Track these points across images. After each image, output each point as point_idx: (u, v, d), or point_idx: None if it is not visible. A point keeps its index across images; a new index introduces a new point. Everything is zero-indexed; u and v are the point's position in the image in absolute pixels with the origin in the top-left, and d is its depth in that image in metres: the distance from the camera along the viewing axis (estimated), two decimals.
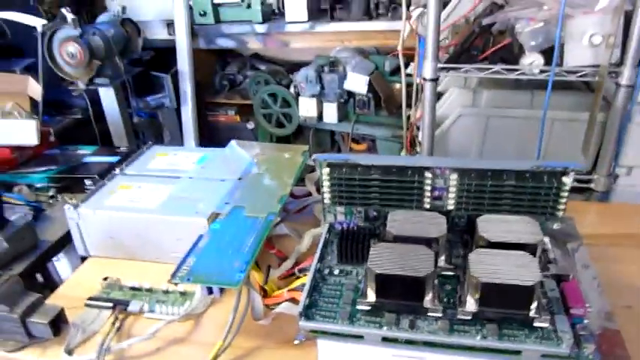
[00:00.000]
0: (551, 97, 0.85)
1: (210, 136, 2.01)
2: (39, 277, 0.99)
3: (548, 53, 0.80)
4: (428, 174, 0.52)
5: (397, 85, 1.63)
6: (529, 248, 0.49)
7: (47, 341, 0.54)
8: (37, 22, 1.30)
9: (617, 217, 0.72)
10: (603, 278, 0.56)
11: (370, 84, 1.59)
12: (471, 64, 0.84)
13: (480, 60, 0.85)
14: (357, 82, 1.58)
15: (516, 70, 0.83)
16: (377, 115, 1.65)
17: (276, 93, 1.76)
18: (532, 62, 0.81)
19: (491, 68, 0.83)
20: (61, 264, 1.13)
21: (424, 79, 0.87)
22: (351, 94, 1.66)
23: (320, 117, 1.71)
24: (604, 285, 0.55)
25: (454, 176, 0.52)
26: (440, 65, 0.85)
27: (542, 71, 0.82)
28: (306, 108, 1.69)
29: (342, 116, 1.70)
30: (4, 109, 1.14)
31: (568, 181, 0.50)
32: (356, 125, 1.68)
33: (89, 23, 1.56)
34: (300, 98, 1.70)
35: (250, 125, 1.97)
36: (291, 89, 1.73)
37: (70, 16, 1.37)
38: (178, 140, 1.92)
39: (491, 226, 0.51)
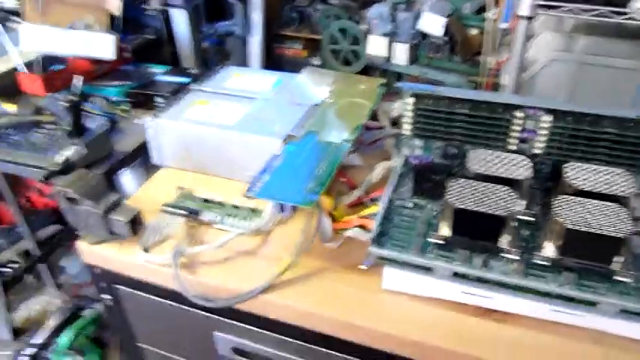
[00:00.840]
0: None
1: (275, 68, 1.99)
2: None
3: None
4: (519, 113, 0.50)
5: (474, 32, 1.54)
6: (620, 201, 0.46)
7: (125, 239, 0.56)
8: None
9: None
10: None
11: (446, 26, 1.51)
12: (574, 3, 0.77)
13: (581, 1, 0.78)
14: (433, 23, 1.51)
15: (624, 13, 0.75)
16: (450, 61, 1.58)
17: (346, 29, 1.72)
18: None
19: (597, 9, 0.76)
20: (126, 177, 1.19)
21: (519, 17, 0.80)
22: (424, 36, 1.60)
23: (389, 58, 1.66)
24: None
25: (548, 118, 0.49)
26: (538, 2, 0.78)
27: None
28: (376, 47, 1.64)
29: (413, 58, 1.64)
30: (86, 21, 1.17)
31: None
32: (426, 69, 1.62)
33: None
34: (371, 36, 1.65)
35: (316, 61, 1.94)
36: (363, 26, 1.68)
37: None
38: None
39: (581, 174, 0.48)
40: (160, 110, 0.67)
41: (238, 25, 1.85)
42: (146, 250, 0.54)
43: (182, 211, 0.59)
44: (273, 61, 2.02)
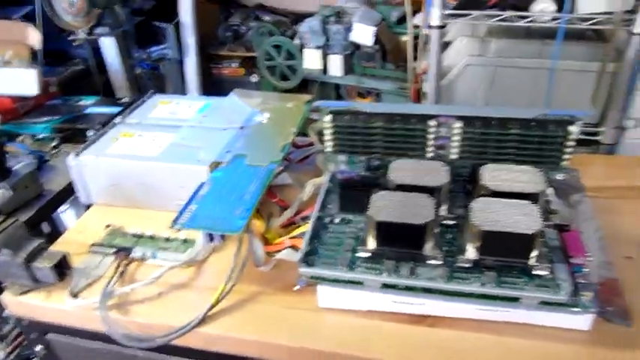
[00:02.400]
0: (562, 47, 0.83)
1: (214, 89, 1.98)
2: (45, 227, 1.01)
3: (560, 0, 0.77)
4: (432, 122, 0.52)
5: (404, 38, 1.58)
6: (531, 198, 0.49)
7: (52, 285, 0.54)
8: None
9: (623, 169, 0.71)
10: (606, 230, 0.56)
11: (376, 35, 1.55)
12: (479, 10, 0.81)
13: (489, 6, 0.82)
14: (363, 34, 1.55)
15: (526, 17, 0.80)
16: (383, 68, 1.61)
17: (280, 44, 1.73)
18: (543, 8, 0.78)
19: (500, 15, 0.80)
20: (67, 215, 1.14)
21: (430, 27, 0.84)
22: (356, 46, 1.63)
23: (325, 70, 1.68)
24: (606, 237, 0.54)
25: (458, 124, 0.51)
26: (447, 12, 0.82)
27: (554, 19, 0.79)
28: (311, 60, 1.66)
29: (348, 69, 1.67)
30: (4, 57, 1.12)
31: (575, 130, 0.49)
32: (361, 78, 1.65)
33: None
34: (305, 50, 1.67)
35: (254, 78, 1.94)
36: (296, 41, 1.69)
37: None
38: (181, 93, 1.90)
39: (494, 175, 0.50)
40: (82, 147, 0.66)
41: (171, 49, 1.83)
42: (74, 295, 0.53)
43: (111, 249, 0.57)
44: (211, 82, 2.00)
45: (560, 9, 0.77)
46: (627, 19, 0.80)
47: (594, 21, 0.79)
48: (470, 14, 0.81)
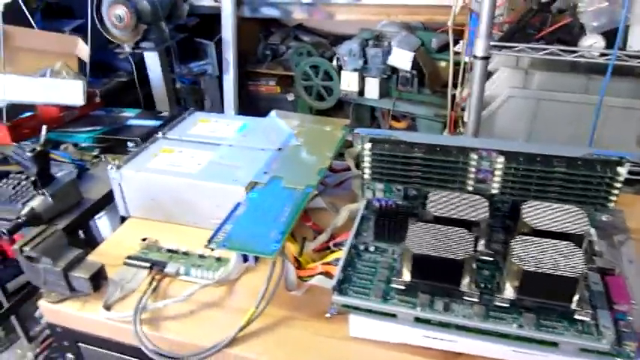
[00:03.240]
0: (610, 82, 0.81)
1: (250, 105, 2.01)
2: (81, 233, 1.03)
3: (610, 35, 0.75)
4: (473, 155, 0.51)
5: (442, 64, 1.58)
6: (575, 239, 0.47)
7: (87, 295, 0.55)
8: None
9: None
10: None
11: (415, 60, 1.55)
12: (525, 43, 0.80)
13: (535, 39, 0.81)
14: (402, 58, 1.55)
15: (574, 51, 0.78)
16: (419, 93, 1.61)
17: (318, 65, 1.74)
18: (592, 44, 0.77)
19: (547, 48, 0.79)
20: (102, 222, 1.17)
21: (474, 57, 0.83)
22: (394, 70, 1.63)
23: (361, 92, 1.69)
24: None
25: (501, 159, 0.50)
26: (492, 43, 0.81)
27: (602, 54, 0.78)
28: (348, 82, 1.67)
29: (384, 92, 1.67)
30: (54, 68, 1.17)
31: (623, 171, 0.48)
32: (397, 102, 1.65)
33: None
34: (343, 72, 1.68)
35: (290, 97, 1.96)
36: (334, 62, 1.71)
37: None
38: (219, 108, 1.94)
39: (537, 212, 0.49)
40: (123, 161, 0.67)
41: (211, 65, 1.87)
42: (108, 307, 0.53)
43: (145, 264, 0.58)
44: (247, 98, 2.04)
45: (609, 45, 0.76)
46: None
47: None
48: (516, 47, 0.80)
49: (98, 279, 0.56)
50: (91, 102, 1.22)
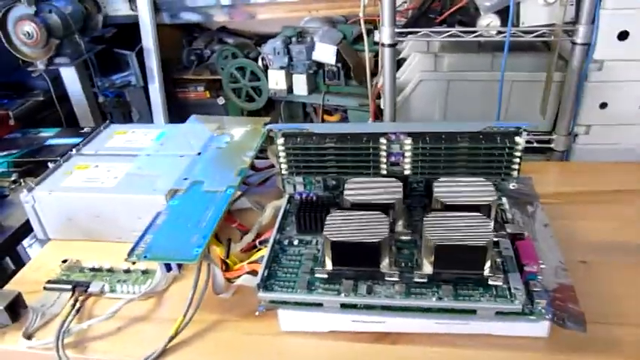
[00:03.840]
0: (512, 58, 0.85)
1: (181, 113, 1.97)
2: (10, 263, 0.98)
3: (504, 14, 0.79)
4: (383, 140, 0.52)
5: (369, 54, 1.61)
6: (484, 209, 0.49)
7: (6, 327, 0.53)
8: None
9: (576, 175, 0.73)
10: (561, 235, 0.57)
11: (339, 54, 1.57)
12: (428, 27, 0.83)
13: (437, 23, 0.84)
14: (325, 52, 1.56)
15: (473, 32, 0.82)
16: (347, 86, 1.63)
17: (244, 66, 1.73)
18: (489, 23, 0.81)
19: (448, 31, 0.82)
20: (33, 250, 1.11)
21: (382, 45, 0.85)
22: (320, 65, 1.64)
23: (290, 89, 1.69)
24: (562, 242, 0.55)
25: (408, 141, 0.52)
26: (397, 30, 0.83)
27: (499, 32, 0.82)
28: (275, 80, 1.67)
29: (313, 88, 1.68)
30: None
31: (521, 140, 0.51)
32: (327, 96, 1.67)
33: (46, 0, 1.50)
34: (269, 71, 1.67)
35: (221, 101, 1.93)
36: (259, 62, 1.70)
37: None
38: (147, 119, 1.88)
39: (447, 188, 0.51)
40: (35, 182, 0.64)
41: (134, 75, 1.81)
42: (28, 336, 0.51)
43: (67, 286, 0.56)
44: (177, 106, 1.99)
45: (505, 23, 0.80)
46: (569, 29, 0.83)
47: (537, 33, 0.82)
48: (419, 31, 0.83)
49: (16, 308, 0.53)
50: (4, 125, 1.16)
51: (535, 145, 0.93)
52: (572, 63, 0.86)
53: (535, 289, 0.46)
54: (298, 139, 0.54)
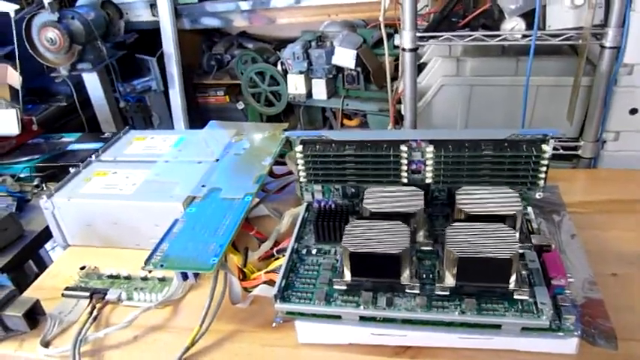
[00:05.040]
0: (537, 62, 0.83)
1: (201, 118, 1.98)
2: (33, 267, 0.99)
3: (530, 17, 0.77)
4: (403, 147, 0.51)
5: (390, 59, 1.59)
6: (509, 220, 0.48)
7: (25, 334, 0.53)
8: (9, 8, 1.27)
9: (604, 183, 0.71)
10: (590, 246, 0.55)
11: (359, 58, 1.55)
12: (450, 31, 0.81)
13: (460, 27, 0.82)
14: (345, 57, 1.55)
15: (497, 35, 0.80)
16: (367, 90, 1.62)
17: (263, 71, 1.73)
18: (513, 27, 0.78)
19: (471, 35, 0.80)
20: (55, 253, 1.13)
21: (403, 49, 0.84)
22: (339, 69, 1.63)
23: (309, 94, 1.68)
24: (590, 253, 0.54)
25: (430, 149, 0.50)
26: (419, 34, 0.82)
27: (524, 36, 0.80)
28: (295, 85, 1.66)
29: (332, 92, 1.67)
30: None
31: (548, 148, 0.49)
32: (346, 100, 1.65)
33: (68, 7, 1.52)
34: (289, 75, 1.67)
35: (240, 105, 1.94)
36: (279, 67, 1.70)
37: (46, 1, 1.33)
38: (168, 123, 1.90)
39: (470, 198, 0.49)
40: (54, 189, 0.64)
41: (155, 80, 1.83)
42: (46, 344, 0.51)
43: (85, 293, 0.56)
44: (197, 111, 2.01)
45: (530, 26, 0.78)
46: (598, 32, 0.80)
47: (565, 37, 0.79)
48: (441, 35, 0.81)
49: (34, 315, 0.53)
50: (27, 130, 1.18)
51: (561, 151, 0.91)
52: (600, 67, 0.83)
53: (563, 304, 0.43)
54: (317, 146, 0.52)
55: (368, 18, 1.70)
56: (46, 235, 0.92)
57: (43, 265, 1.00)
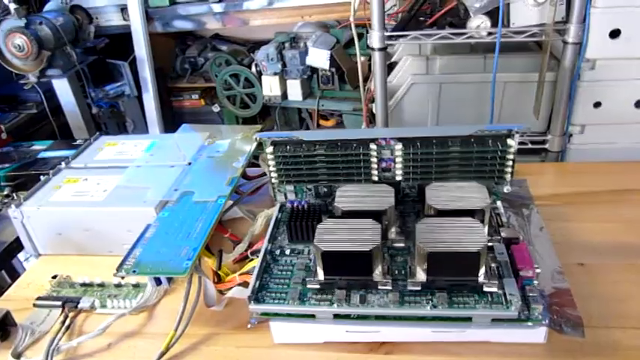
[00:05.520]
0: (504, 59, 0.84)
1: (176, 122, 1.96)
2: (6, 277, 0.97)
3: (495, 15, 0.79)
4: (373, 145, 0.51)
5: (363, 58, 1.60)
6: (478, 214, 0.49)
7: None
8: None
9: (571, 175, 0.72)
10: (558, 238, 0.57)
11: (332, 58, 1.56)
12: (418, 30, 0.82)
13: (427, 26, 0.83)
14: (319, 57, 1.56)
15: (464, 34, 0.81)
16: (341, 90, 1.63)
17: (238, 73, 1.72)
18: (479, 25, 0.80)
19: (438, 33, 0.81)
20: (30, 264, 1.10)
21: (372, 49, 0.85)
22: (314, 70, 1.64)
23: (285, 95, 1.68)
24: (559, 244, 0.55)
25: (399, 146, 0.51)
26: (387, 34, 0.83)
27: (489, 33, 0.81)
28: (270, 86, 1.66)
29: (307, 93, 1.68)
30: None
31: (513, 143, 0.50)
32: (321, 101, 1.66)
33: (36, 12, 1.50)
34: (263, 77, 1.67)
35: (216, 108, 1.93)
36: (253, 68, 1.70)
37: (12, 6, 1.31)
38: (143, 129, 1.88)
39: (439, 193, 0.50)
40: (23, 198, 0.63)
41: (128, 85, 1.81)
42: (17, 355, 0.50)
43: (57, 302, 0.55)
44: (173, 115, 1.99)
45: (495, 24, 0.79)
46: (560, 29, 0.82)
47: (528, 33, 0.81)
48: (409, 34, 0.82)
49: (5, 327, 0.52)
50: None
51: (530, 146, 0.93)
52: (564, 62, 0.85)
53: (531, 294, 0.45)
54: (288, 147, 0.53)
55: (341, 18, 1.71)
56: (17, 245, 0.90)
57: (16, 277, 0.98)
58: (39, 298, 0.56)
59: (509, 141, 0.50)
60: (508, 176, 0.52)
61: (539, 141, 0.93)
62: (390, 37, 0.83)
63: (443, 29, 0.82)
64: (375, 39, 0.83)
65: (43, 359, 0.48)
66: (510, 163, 0.50)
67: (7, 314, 0.53)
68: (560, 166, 0.89)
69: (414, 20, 0.82)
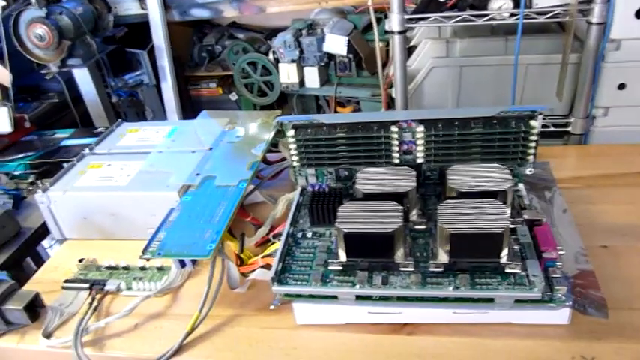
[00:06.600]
0: (526, 41, 0.83)
1: (194, 110, 1.97)
2: (32, 264, 0.99)
3: None
4: (394, 128, 0.51)
5: (381, 44, 1.59)
6: (500, 196, 0.48)
7: (26, 327, 0.53)
8: None
9: (594, 158, 0.71)
10: (581, 220, 0.56)
11: (350, 44, 1.55)
12: (438, 12, 0.81)
13: (448, 8, 0.82)
14: (336, 44, 1.55)
15: (485, 15, 0.80)
16: (359, 76, 1.62)
17: (255, 61, 1.73)
18: (501, 6, 0.79)
19: (459, 15, 0.80)
20: (54, 251, 1.13)
21: (391, 32, 0.84)
22: (331, 57, 1.63)
23: (302, 82, 1.68)
24: (582, 226, 0.54)
25: (420, 128, 0.51)
26: (407, 16, 0.82)
27: (511, 15, 0.80)
28: (287, 74, 1.66)
29: (325, 79, 1.67)
30: None
31: (536, 124, 0.49)
32: (339, 88, 1.65)
33: (56, 2, 1.51)
34: (280, 64, 1.66)
35: (233, 96, 1.94)
36: (270, 56, 1.69)
37: None
38: (161, 117, 1.89)
39: (461, 176, 0.50)
40: (49, 183, 0.65)
41: (146, 74, 1.82)
42: (48, 335, 0.52)
43: (84, 285, 0.56)
44: (190, 103, 2.00)
45: (517, 5, 0.78)
46: (584, 9, 0.81)
47: (551, 14, 0.79)
48: (429, 17, 0.81)
49: (34, 308, 0.54)
50: (20, 128, 1.17)
51: (552, 129, 0.91)
52: (588, 43, 0.83)
53: (554, 276, 0.44)
54: (309, 130, 0.53)
55: (358, 4, 1.70)
56: (43, 231, 0.92)
57: (41, 263, 1.00)
58: (67, 281, 0.58)
59: (532, 122, 0.49)
60: (531, 158, 0.51)
61: (562, 124, 0.92)
62: (409, 20, 0.82)
63: (463, 11, 0.81)
64: (394, 22, 0.82)
65: (73, 338, 0.49)
66: (533, 144, 0.50)
67: (37, 296, 0.54)
68: (582, 149, 0.88)
69: (434, 2, 0.81)
